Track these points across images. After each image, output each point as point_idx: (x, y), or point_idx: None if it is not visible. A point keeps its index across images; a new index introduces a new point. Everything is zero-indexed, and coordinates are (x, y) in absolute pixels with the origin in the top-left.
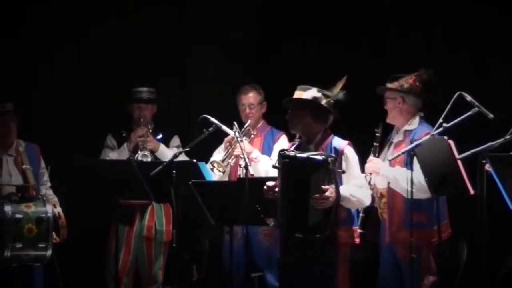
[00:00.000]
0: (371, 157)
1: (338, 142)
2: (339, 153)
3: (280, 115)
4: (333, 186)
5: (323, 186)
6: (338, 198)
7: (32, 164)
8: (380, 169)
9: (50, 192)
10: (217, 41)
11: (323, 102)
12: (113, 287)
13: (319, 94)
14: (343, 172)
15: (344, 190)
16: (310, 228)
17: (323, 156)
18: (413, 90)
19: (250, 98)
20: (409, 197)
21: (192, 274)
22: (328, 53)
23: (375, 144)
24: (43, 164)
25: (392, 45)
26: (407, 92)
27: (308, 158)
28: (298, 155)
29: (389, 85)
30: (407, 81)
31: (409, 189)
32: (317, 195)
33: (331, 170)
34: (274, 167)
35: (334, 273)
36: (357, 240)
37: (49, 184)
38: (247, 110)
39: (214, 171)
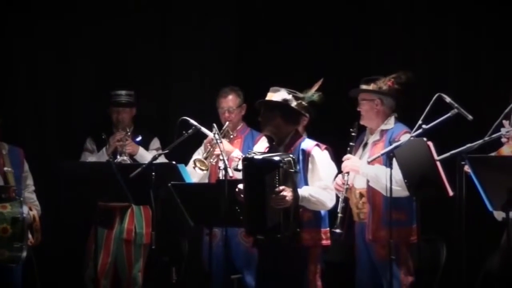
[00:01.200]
0: (348, 155)
1: (306, 144)
2: (306, 155)
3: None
4: (289, 186)
5: (277, 188)
6: (296, 198)
7: (15, 167)
8: (359, 168)
9: (33, 196)
10: (197, 43)
11: (294, 104)
12: None
13: (289, 96)
14: (296, 172)
15: (304, 190)
16: (270, 229)
17: (278, 157)
18: (392, 92)
19: (229, 102)
20: (389, 195)
21: (171, 276)
22: (310, 54)
23: (351, 144)
24: (26, 167)
25: (374, 45)
26: (386, 94)
27: (263, 160)
28: (255, 157)
29: (367, 87)
30: (385, 83)
31: (389, 185)
32: (274, 195)
33: (286, 170)
34: (235, 169)
35: (303, 274)
36: (325, 242)
37: (32, 188)
38: (226, 114)
39: (197, 169)
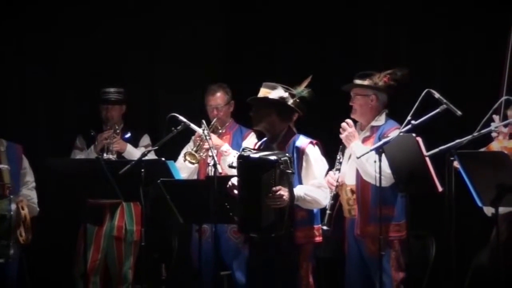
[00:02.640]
0: (352, 124)
1: (301, 141)
2: (300, 153)
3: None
4: (285, 186)
5: (274, 188)
6: (292, 198)
7: (12, 163)
8: (351, 144)
9: (31, 193)
10: (186, 39)
11: (290, 102)
12: (81, 286)
13: (286, 94)
14: (293, 173)
15: (299, 190)
16: (264, 228)
17: (275, 156)
18: (388, 88)
19: (218, 99)
20: (369, 180)
21: (161, 273)
22: (297, 51)
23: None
24: (25, 164)
25: (361, 42)
26: (381, 90)
27: (259, 158)
28: (252, 155)
29: (362, 82)
30: (381, 79)
31: (372, 171)
32: (270, 194)
33: (282, 170)
34: (230, 166)
35: (296, 271)
36: (318, 239)
37: (32, 185)
38: (215, 112)
39: (187, 163)
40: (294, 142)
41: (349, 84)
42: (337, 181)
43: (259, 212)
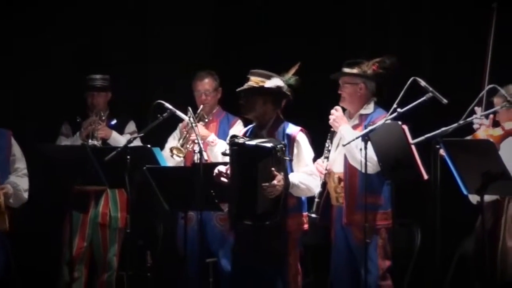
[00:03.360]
0: (340, 109)
1: (291, 129)
2: (291, 140)
3: (235, 100)
4: (281, 173)
5: (272, 171)
6: (287, 186)
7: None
8: (340, 126)
9: (19, 180)
10: (175, 27)
11: (285, 90)
12: (66, 273)
13: (282, 83)
14: (291, 160)
15: (293, 177)
16: (259, 215)
17: (271, 144)
18: (377, 76)
19: (206, 85)
20: (356, 165)
21: (146, 260)
22: (284, 40)
23: (332, 129)
24: (15, 150)
25: (349, 35)
26: (371, 78)
27: (256, 146)
28: (247, 142)
29: (350, 71)
30: (369, 67)
31: (359, 157)
32: (266, 184)
33: (279, 158)
34: (223, 154)
35: (285, 259)
36: (306, 226)
37: (22, 172)
38: (203, 97)
39: (174, 157)
40: (284, 130)
41: (338, 73)
42: (326, 169)
43: (254, 200)
